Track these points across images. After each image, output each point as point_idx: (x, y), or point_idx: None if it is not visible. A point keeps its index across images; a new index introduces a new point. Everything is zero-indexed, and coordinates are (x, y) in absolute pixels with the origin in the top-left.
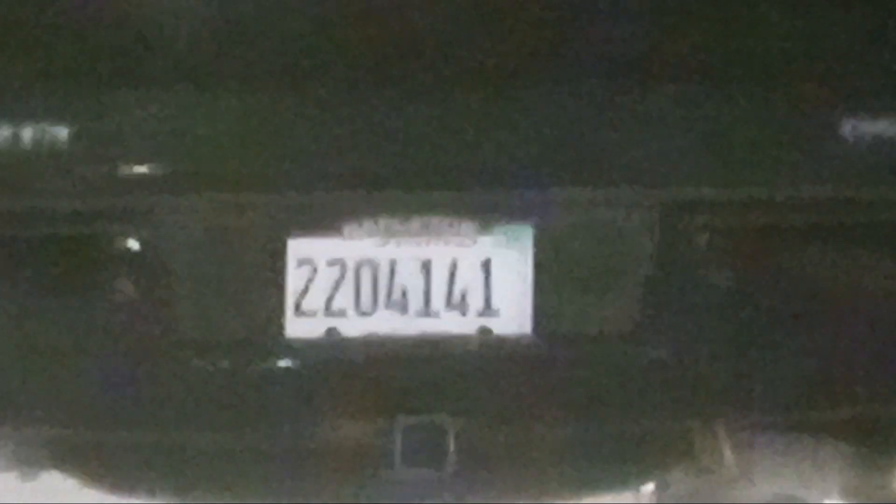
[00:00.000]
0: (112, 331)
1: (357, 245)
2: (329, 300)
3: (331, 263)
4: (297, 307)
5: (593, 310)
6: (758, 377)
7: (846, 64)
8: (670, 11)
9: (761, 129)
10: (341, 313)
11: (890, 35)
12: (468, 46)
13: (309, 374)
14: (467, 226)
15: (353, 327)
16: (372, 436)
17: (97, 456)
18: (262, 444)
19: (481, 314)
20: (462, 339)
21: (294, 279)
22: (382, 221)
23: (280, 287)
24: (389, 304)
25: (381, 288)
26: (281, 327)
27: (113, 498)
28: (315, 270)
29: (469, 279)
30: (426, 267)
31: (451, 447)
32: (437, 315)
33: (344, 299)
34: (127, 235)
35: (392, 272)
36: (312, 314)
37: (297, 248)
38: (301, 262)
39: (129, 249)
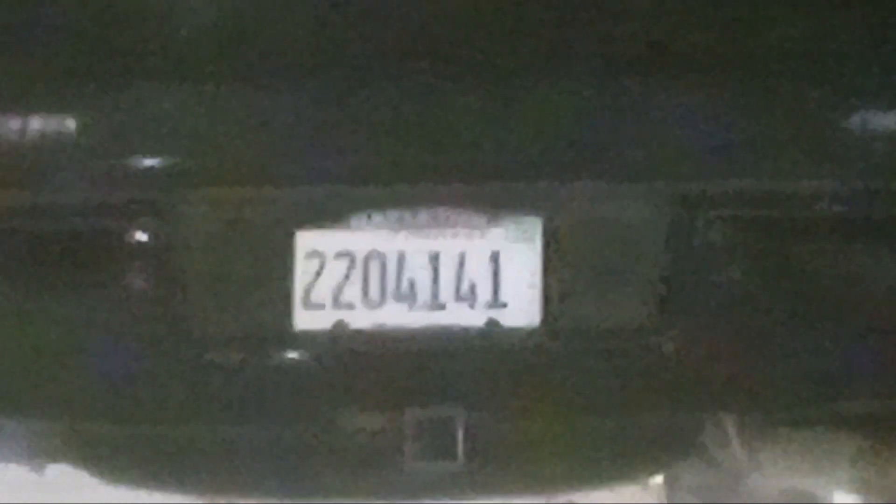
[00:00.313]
0: (122, 324)
1: (365, 237)
2: (337, 293)
3: (339, 256)
4: (306, 300)
5: (602, 303)
6: (768, 371)
7: (859, 56)
8: (680, 4)
9: (772, 123)
10: (349, 306)
11: None
12: (478, 39)
13: (317, 367)
14: (476, 218)
15: (361, 320)
16: (380, 428)
17: (106, 449)
18: (271, 437)
19: (490, 307)
20: (470, 332)
21: (302, 272)
22: (391, 214)
23: (288, 280)
24: (398, 296)
25: (389, 280)
26: (289, 320)
27: (122, 491)
28: (323, 263)
29: (478, 272)
30: (435, 259)
31: (460, 440)
32: (445, 308)
33: (352, 292)
34: (135, 229)
35: (400, 265)
36: (321, 307)
37: (306, 240)
38: (309, 255)
39: (137, 243)
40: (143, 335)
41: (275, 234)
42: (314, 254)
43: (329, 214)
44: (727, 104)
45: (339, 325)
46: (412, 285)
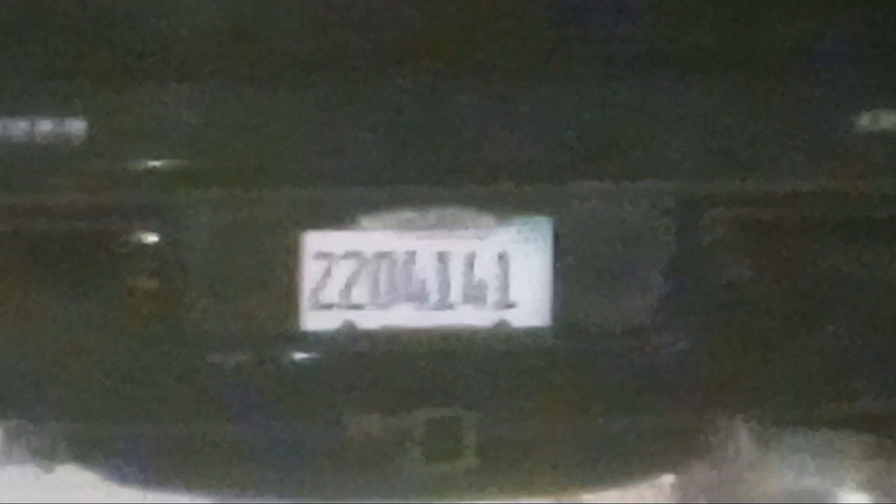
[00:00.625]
0: (130, 325)
1: (374, 238)
2: (346, 293)
3: (348, 256)
4: (315, 300)
5: (611, 303)
6: (777, 371)
7: (864, 56)
8: (685, 5)
9: (781, 123)
10: (358, 306)
11: None
12: (486, 40)
13: (326, 367)
14: (485, 218)
15: (370, 320)
16: (389, 429)
17: (114, 450)
18: (280, 437)
19: (499, 307)
20: (479, 332)
21: (311, 272)
22: (400, 214)
23: (297, 280)
24: (407, 296)
25: (398, 281)
26: (298, 320)
27: (130, 492)
28: (332, 263)
29: (487, 272)
30: (444, 260)
31: (469, 440)
32: (454, 308)
33: (361, 292)
34: (144, 230)
35: (409, 265)
36: (330, 307)
37: (314, 241)
38: (318, 255)
39: (146, 244)
40: (152, 336)
41: (283, 234)
42: (322, 254)
43: (337, 215)
44: (734, 105)
45: (348, 326)
46: (421, 286)
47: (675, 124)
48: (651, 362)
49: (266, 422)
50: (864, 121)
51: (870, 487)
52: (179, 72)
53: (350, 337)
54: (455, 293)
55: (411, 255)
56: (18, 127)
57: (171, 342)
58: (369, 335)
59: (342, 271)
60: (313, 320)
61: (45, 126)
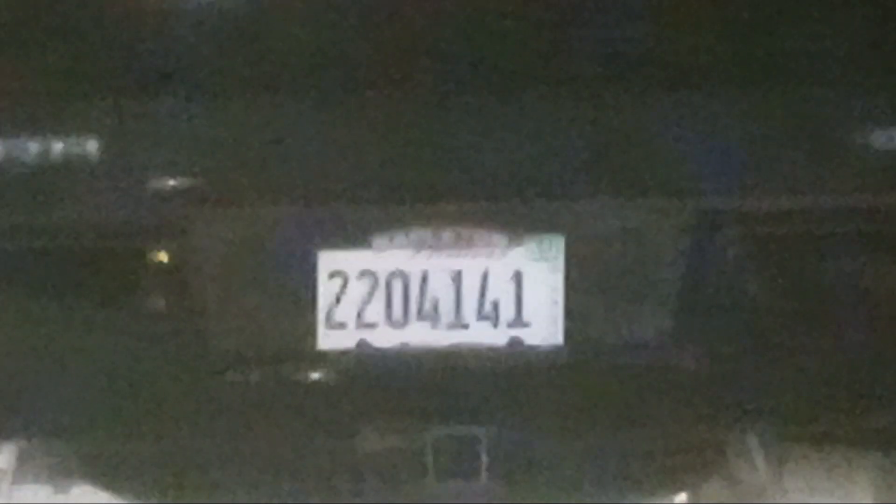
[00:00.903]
0: (146, 343)
1: (388, 257)
2: (360, 312)
3: (362, 275)
4: (329, 319)
5: (624, 320)
6: (790, 387)
7: (881, 72)
8: (703, 20)
9: (793, 139)
10: (373, 325)
11: None
12: (500, 60)
13: (341, 386)
14: (498, 237)
15: (384, 339)
16: (404, 447)
17: (130, 468)
18: (296, 455)
19: (512, 325)
20: (493, 351)
21: (326, 291)
22: (413, 233)
23: (312, 299)
24: (421, 315)
25: (412, 300)
26: (313, 339)
27: None
28: (346, 282)
29: (500, 290)
30: (457, 278)
31: (483, 458)
32: (468, 327)
33: (375, 311)
34: (159, 249)
35: (423, 284)
36: (344, 326)
37: (329, 260)
38: (332, 275)
39: (161, 262)
40: (169, 355)
41: (298, 254)
42: (337, 273)
43: (352, 234)
44: (746, 122)
45: (363, 345)
46: (435, 305)
47: (688, 142)
48: (664, 379)
49: (281, 439)
50: (879, 136)
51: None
52: (195, 90)
53: (364, 356)
54: (469, 312)
55: (425, 275)
56: (33, 146)
57: (187, 361)
58: (383, 354)
59: (356, 290)
60: (328, 339)
61: (59, 145)
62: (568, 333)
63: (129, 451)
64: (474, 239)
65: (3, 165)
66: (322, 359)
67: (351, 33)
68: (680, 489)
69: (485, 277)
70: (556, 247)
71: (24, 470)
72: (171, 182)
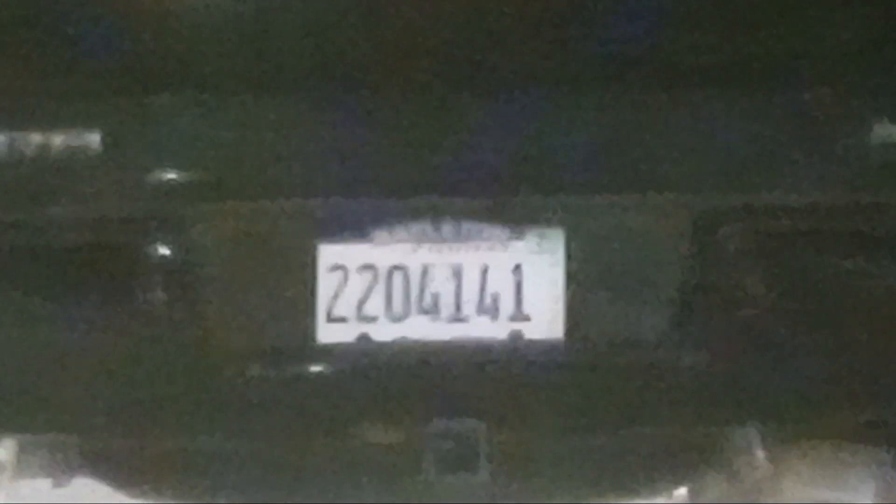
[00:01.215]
0: (145, 338)
1: (388, 251)
2: (360, 306)
3: (362, 269)
4: (329, 313)
5: (625, 315)
6: (791, 383)
7: (882, 68)
8: (704, 16)
9: (795, 135)
10: (373, 319)
11: None
12: (500, 54)
13: (341, 380)
14: (499, 231)
15: (384, 333)
16: (404, 441)
17: (130, 463)
18: (295, 450)
19: (513, 319)
20: (493, 345)
21: (325, 285)
22: (413, 227)
23: (311, 293)
24: (421, 309)
25: (412, 293)
26: (313, 333)
27: None
28: (346, 276)
29: (500, 284)
30: (457, 272)
31: (483, 452)
32: (468, 321)
33: (375, 305)
34: (157, 243)
35: (423, 278)
36: (344, 320)
37: (328, 254)
38: (332, 269)
39: (160, 257)
40: (167, 349)
41: (297, 247)
42: (337, 267)
43: (352, 228)
44: (748, 117)
45: (363, 339)
46: (435, 298)
47: (689, 137)
48: (664, 374)
49: (281, 434)
50: (881, 132)
51: (885, 499)
52: (194, 84)
53: (364, 350)
54: (469, 306)
55: (425, 269)
56: (33, 141)
57: (186, 355)
58: (384, 348)
59: (356, 284)
60: (328, 333)
61: (59, 140)
62: (568, 328)
63: (129, 445)
64: (475, 233)
65: (2, 162)
66: (322, 353)
67: (350, 27)
68: (679, 485)
69: (485, 271)
70: (556, 241)
71: (23, 464)
72: (170, 177)
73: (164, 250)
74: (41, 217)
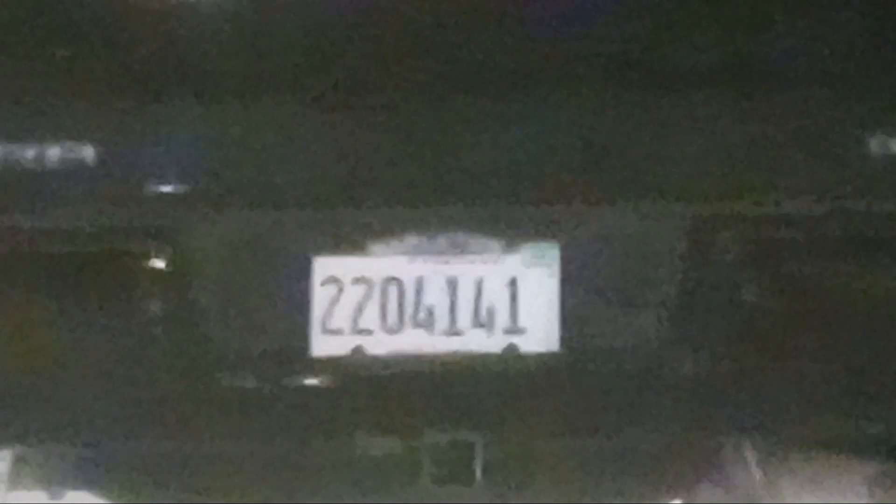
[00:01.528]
0: (141, 348)
1: (383, 263)
2: (355, 318)
3: (357, 281)
4: (324, 325)
5: (620, 326)
6: (786, 393)
7: (881, 78)
8: (701, 24)
9: (791, 143)
10: (367, 331)
11: None
12: (495, 65)
13: (336, 392)
14: (493, 243)
15: (379, 345)
16: (399, 453)
17: (125, 474)
18: (290, 461)
19: (508, 332)
20: (488, 357)
21: (320, 297)
22: (408, 239)
23: (306, 305)
24: (416, 322)
25: (407, 306)
26: (307, 345)
27: None
28: (341, 289)
29: (495, 297)
30: (452, 285)
31: (479, 465)
32: (463, 333)
33: (370, 317)
34: (153, 253)
35: (418, 290)
36: (339, 332)
37: (323, 266)
38: (327, 281)
39: (155, 267)
40: (163, 359)
41: (292, 259)
42: (332, 279)
43: (346, 240)
44: (744, 125)
45: (358, 351)
46: (430, 311)
47: (685, 146)
48: (660, 385)
49: (277, 445)
50: (878, 140)
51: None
52: (191, 95)
53: (359, 362)
54: (464, 318)
55: (420, 281)
56: (30, 150)
57: (181, 365)
58: (379, 360)
59: (351, 296)
60: (322, 345)
61: (56, 149)
62: (564, 339)
63: (124, 456)
64: (469, 245)
65: (1, 168)
66: (317, 365)
67: (348, 37)
68: (674, 494)
69: (480, 284)
70: (551, 253)
71: (18, 475)
72: (166, 186)
73: (159, 261)
74: (37, 224)
